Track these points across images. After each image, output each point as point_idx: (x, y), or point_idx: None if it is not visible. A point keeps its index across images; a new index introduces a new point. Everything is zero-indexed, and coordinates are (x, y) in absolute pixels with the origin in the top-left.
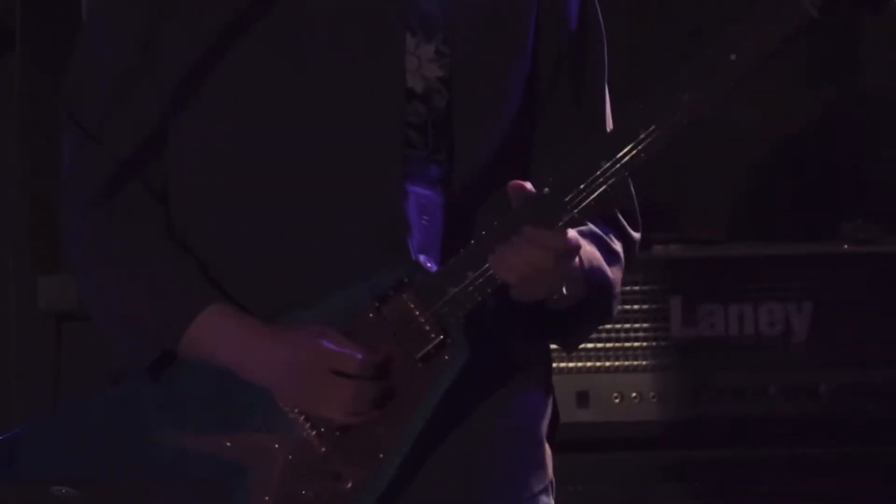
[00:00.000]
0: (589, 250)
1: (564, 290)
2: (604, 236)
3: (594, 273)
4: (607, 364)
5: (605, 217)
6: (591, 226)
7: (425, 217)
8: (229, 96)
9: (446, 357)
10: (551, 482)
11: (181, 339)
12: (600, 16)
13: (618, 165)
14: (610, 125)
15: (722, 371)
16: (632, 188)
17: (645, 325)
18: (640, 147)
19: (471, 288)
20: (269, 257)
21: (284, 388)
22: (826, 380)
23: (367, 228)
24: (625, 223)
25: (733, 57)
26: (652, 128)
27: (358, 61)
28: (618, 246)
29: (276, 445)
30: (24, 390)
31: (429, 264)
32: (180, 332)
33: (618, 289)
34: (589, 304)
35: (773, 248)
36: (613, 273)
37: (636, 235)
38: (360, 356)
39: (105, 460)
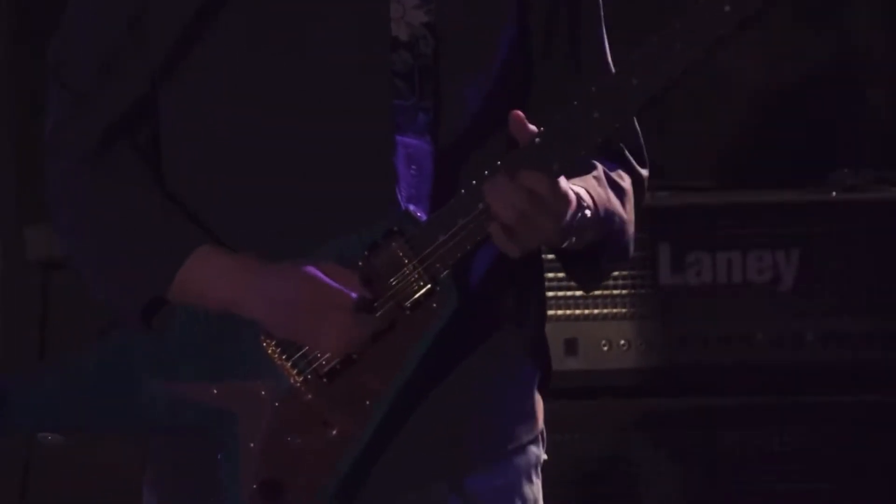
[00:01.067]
0: (601, 192)
1: (574, 239)
2: (613, 175)
3: (608, 216)
4: (595, 312)
5: (612, 154)
6: (599, 166)
7: (414, 167)
8: (217, 54)
9: (434, 305)
10: (542, 432)
11: (172, 280)
12: None
13: (611, 117)
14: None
15: (709, 319)
16: (637, 125)
17: (633, 272)
18: (633, 99)
19: (461, 235)
20: (261, 212)
21: (279, 320)
22: (813, 328)
23: (356, 182)
24: (633, 160)
25: (727, 8)
26: (644, 78)
27: (342, 11)
28: (627, 183)
29: (263, 392)
30: (12, 339)
31: (418, 213)
32: (172, 273)
33: (632, 227)
34: (605, 246)
35: (761, 195)
36: (627, 212)
37: (644, 172)
38: (357, 290)
39: (95, 410)
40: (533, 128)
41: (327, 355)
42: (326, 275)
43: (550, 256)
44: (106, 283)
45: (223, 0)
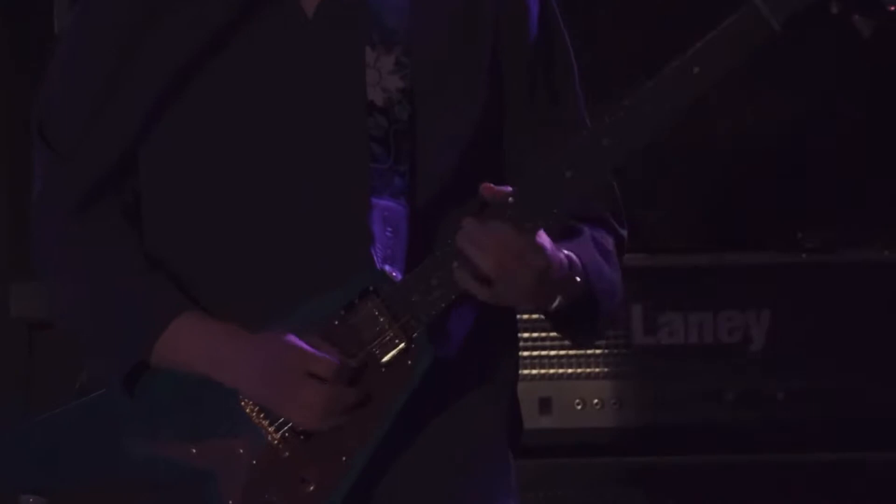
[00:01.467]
0: (590, 255)
1: (560, 299)
2: (599, 238)
3: (599, 278)
4: (569, 371)
5: (595, 217)
6: (586, 230)
7: (389, 229)
8: (196, 116)
9: (409, 363)
10: (515, 488)
11: (154, 347)
12: (561, 21)
13: (583, 177)
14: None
15: (681, 378)
16: (615, 187)
17: (607, 332)
18: (604, 159)
19: (435, 294)
20: (240, 273)
21: (256, 389)
22: (783, 387)
23: (334, 243)
24: (614, 222)
25: (696, 70)
26: (616, 140)
27: (319, 78)
28: (611, 244)
29: (241, 451)
30: None
31: (394, 273)
32: (152, 342)
33: (619, 286)
34: (599, 305)
35: (732, 257)
36: (612, 271)
37: (624, 233)
38: (336, 360)
39: (75, 469)
40: (506, 189)
41: (309, 422)
42: (309, 341)
43: (525, 316)
44: (89, 346)
45: (201, 62)
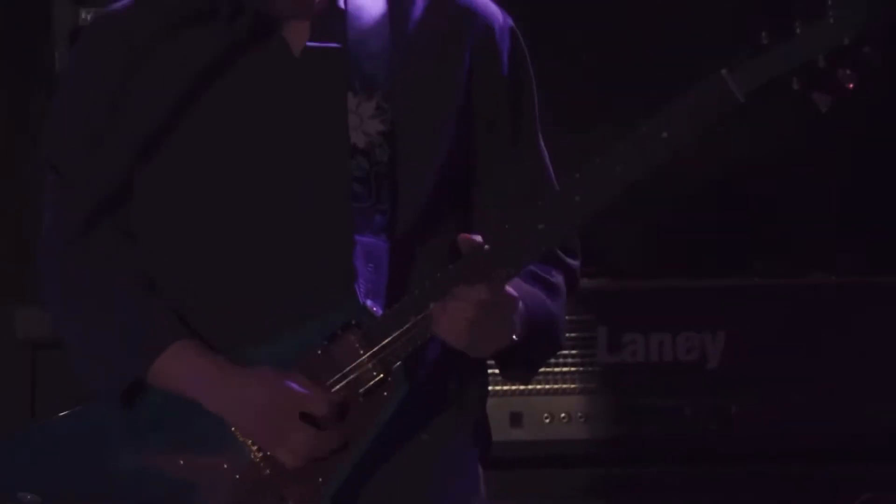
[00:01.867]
0: (529, 291)
1: (514, 337)
2: (543, 274)
3: (535, 312)
4: (539, 387)
5: (544, 255)
6: (533, 267)
7: (371, 265)
8: (188, 154)
9: (385, 394)
10: (484, 497)
11: (151, 367)
12: (528, 62)
13: (555, 229)
14: (548, 172)
15: (643, 394)
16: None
17: (574, 351)
18: (575, 214)
19: (412, 333)
20: (227, 305)
21: (247, 426)
22: (737, 402)
23: (318, 278)
24: (563, 256)
25: (665, 135)
26: (587, 196)
27: (304, 122)
28: (558, 279)
29: (226, 466)
30: (2, 417)
31: (375, 308)
32: (151, 360)
33: (561, 319)
34: (536, 339)
35: (689, 281)
36: (555, 306)
37: (575, 263)
38: (327, 401)
39: (68, 475)
40: (479, 239)
41: (293, 456)
42: (299, 382)
43: None
44: (88, 365)
45: (193, 93)
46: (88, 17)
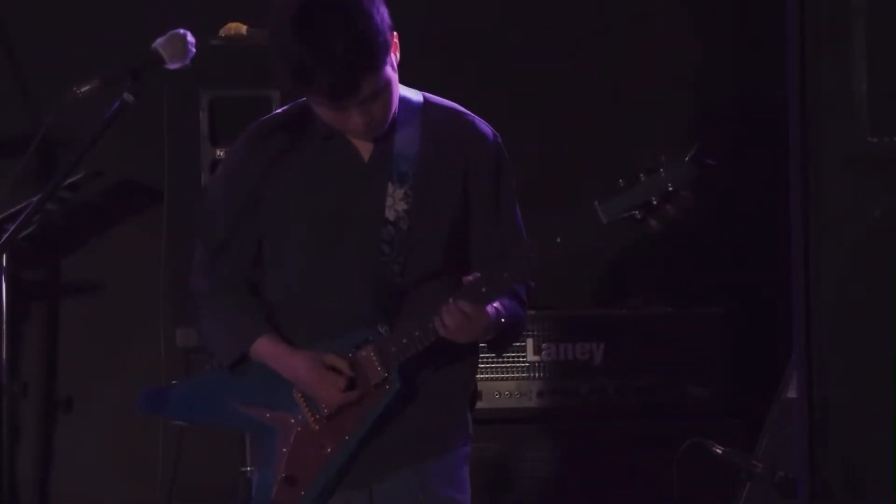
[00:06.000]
0: (507, 302)
1: (493, 334)
2: (517, 291)
3: (510, 317)
4: (492, 375)
5: (518, 280)
6: (512, 285)
7: (389, 300)
8: (290, 219)
9: (387, 387)
10: (471, 436)
11: (247, 352)
12: (508, 164)
13: (517, 276)
14: (518, 234)
15: (555, 380)
16: (529, 265)
17: (511, 353)
18: (530, 264)
19: (414, 342)
20: (306, 316)
21: (301, 382)
22: (613, 384)
23: (355, 305)
24: (527, 281)
25: (559, 239)
26: (514, 272)
27: (360, 201)
28: (524, 295)
29: (292, 421)
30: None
31: (383, 330)
32: (246, 349)
33: (525, 319)
34: (509, 333)
35: (583, 310)
36: (523, 311)
37: (532, 285)
38: (347, 374)
39: (202, 411)
40: (477, 276)
41: (326, 405)
42: (329, 360)
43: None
44: (216, 348)
45: (300, 188)
46: (221, 154)
